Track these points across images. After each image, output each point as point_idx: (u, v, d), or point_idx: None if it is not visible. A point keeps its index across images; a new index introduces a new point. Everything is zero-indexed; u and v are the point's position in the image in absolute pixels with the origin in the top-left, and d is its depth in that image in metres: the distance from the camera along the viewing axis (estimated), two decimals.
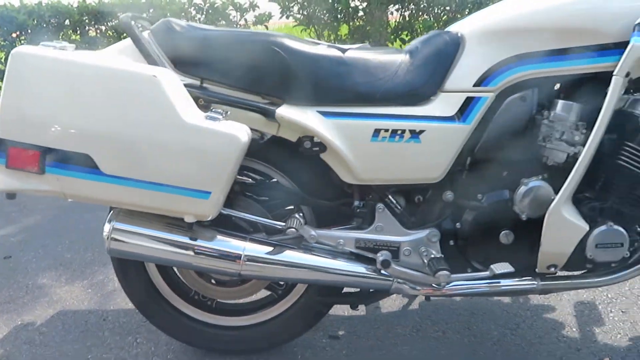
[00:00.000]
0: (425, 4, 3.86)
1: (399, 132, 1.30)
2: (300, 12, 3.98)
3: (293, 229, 1.34)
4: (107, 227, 1.30)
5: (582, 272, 1.42)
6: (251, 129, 1.34)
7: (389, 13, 4.24)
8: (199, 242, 1.31)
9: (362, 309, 1.85)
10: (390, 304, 1.88)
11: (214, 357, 1.63)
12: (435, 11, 3.96)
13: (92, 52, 1.27)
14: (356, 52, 1.36)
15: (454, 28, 1.42)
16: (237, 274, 1.34)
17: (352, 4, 4.12)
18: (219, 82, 1.33)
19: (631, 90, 1.33)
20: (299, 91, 1.31)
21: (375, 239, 1.40)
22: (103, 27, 4.64)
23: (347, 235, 1.40)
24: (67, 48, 1.20)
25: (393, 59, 1.36)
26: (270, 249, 1.36)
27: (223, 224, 1.40)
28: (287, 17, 4.01)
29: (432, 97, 1.33)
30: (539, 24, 1.30)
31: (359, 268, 1.39)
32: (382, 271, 1.38)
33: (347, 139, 1.30)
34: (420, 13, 4.08)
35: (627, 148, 1.25)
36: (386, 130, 1.30)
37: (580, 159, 1.25)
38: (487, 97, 1.30)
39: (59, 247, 2.45)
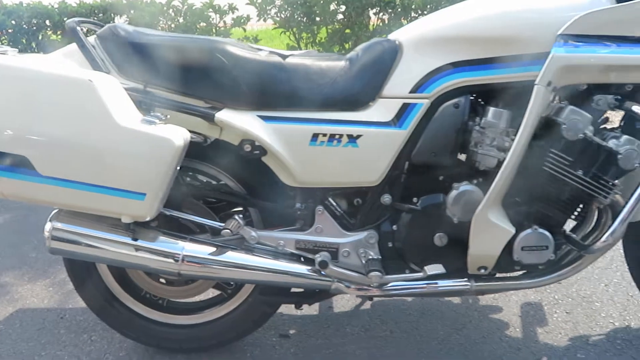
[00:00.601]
0: (400, 9, 3.90)
1: (337, 136, 1.34)
2: (278, 15, 4.01)
3: (228, 230, 1.37)
4: (47, 227, 1.33)
5: (516, 273, 1.46)
6: (195, 132, 1.38)
7: (367, 17, 4.28)
8: (139, 242, 1.35)
9: (314, 308, 1.88)
10: (343, 304, 1.92)
11: (165, 355, 1.66)
12: (412, 15, 4.00)
13: (34, 57, 1.31)
14: (297, 59, 1.40)
15: (393, 36, 1.46)
16: (176, 273, 1.37)
17: (331, 7, 4.16)
18: (162, 87, 1.36)
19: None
20: (239, 96, 1.34)
21: (315, 240, 1.43)
22: (85, 28, 4.66)
23: (287, 236, 1.44)
24: (8, 52, 1.23)
25: (333, 65, 1.40)
26: (211, 249, 1.39)
27: (169, 225, 1.43)
28: (265, 20, 4.04)
29: (371, 103, 1.37)
30: (472, 34, 1.34)
31: (300, 268, 1.42)
32: (322, 271, 1.42)
33: (286, 143, 1.34)
34: (398, 17, 4.12)
35: (551, 154, 1.29)
36: (324, 135, 1.34)
37: (504, 164, 1.29)
38: (422, 103, 1.34)
39: (25, 246, 2.48)
